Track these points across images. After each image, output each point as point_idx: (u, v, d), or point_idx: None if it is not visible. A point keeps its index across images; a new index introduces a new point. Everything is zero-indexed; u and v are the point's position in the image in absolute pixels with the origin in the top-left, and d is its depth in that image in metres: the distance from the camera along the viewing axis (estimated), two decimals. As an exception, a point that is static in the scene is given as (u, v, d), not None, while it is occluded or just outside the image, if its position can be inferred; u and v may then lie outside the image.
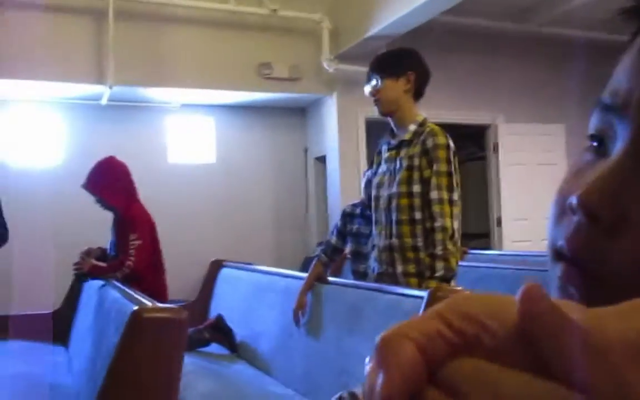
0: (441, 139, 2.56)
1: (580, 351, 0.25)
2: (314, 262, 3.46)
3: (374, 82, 2.70)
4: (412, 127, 2.64)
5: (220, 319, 4.49)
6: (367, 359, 0.29)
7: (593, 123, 0.51)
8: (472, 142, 7.59)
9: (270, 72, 5.97)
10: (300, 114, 6.82)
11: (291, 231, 6.70)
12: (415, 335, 0.28)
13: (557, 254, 0.48)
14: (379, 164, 2.81)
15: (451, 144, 2.59)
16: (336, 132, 6.20)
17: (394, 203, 2.63)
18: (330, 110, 6.29)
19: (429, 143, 2.56)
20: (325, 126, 6.41)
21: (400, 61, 2.70)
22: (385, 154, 2.77)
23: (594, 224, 0.45)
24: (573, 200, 0.46)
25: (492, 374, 0.26)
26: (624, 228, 0.44)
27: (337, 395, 0.59)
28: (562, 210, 0.50)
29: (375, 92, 2.69)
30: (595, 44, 6.57)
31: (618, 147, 0.47)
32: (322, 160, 6.58)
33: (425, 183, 2.56)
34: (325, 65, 5.94)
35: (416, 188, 2.57)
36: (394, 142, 2.72)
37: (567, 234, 0.47)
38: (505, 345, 0.27)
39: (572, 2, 5.67)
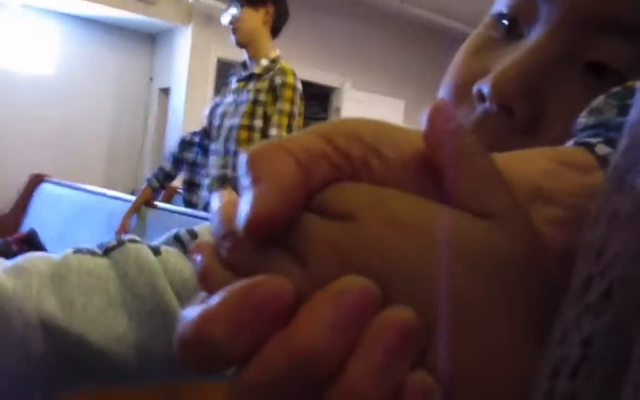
0: (290, 79, 2.57)
1: (487, 181, 0.22)
2: (143, 186, 3.35)
3: (233, 10, 2.66)
4: (264, 62, 2.63)
5: (33, 233, 4.22)
6: (214, 196, 0.25)
7: None
8: (316, 102, 7.71)
9: (125, -11, 5.66)
10: (150, 40, 6.52)
11: (124, 159, 6.44)
12: (295, 150, 0.23)
13: None
14: (225, 95, 2.78)
15: (299, 86, 2.61)
16: (186, 66, 6.00)
17: (234, 134, 2.61)
18: (183, 43, 6.07)
19: (277, 80, 2.56)
20: (175, 58, 6.19)
21: None
22: (233, 85, 2.74)
23: (505, 118, 0.40)
24: (484, 87, 0.41)
25: (385, 195, 0.22)
26: (538, 127, 0.40)
27: (172, 232, 0.55)
28: (460, 94, 0.44)
29: (233, 21, 2.66)
30: (447, 31, 6.90)
31: (540, 31, 0.41)
32: (166, 92, 6.36)
33: (267, 119, 2.57)
34: (184, -7, 5.73)
35: (258, 123, 2.57)
36: (244, 74, 2.70)
37: (469, 123, 0.42)
38: (398, 171, 0.23)
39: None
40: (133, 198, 3.53)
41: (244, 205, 0.22)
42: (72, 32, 6.08)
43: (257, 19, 2.62)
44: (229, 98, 2.72)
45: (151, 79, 6.54)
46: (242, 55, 2.75)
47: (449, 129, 0.22)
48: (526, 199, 0.25)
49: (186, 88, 6.01)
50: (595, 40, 0.39)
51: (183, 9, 5.90)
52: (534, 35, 0.41)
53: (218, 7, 5.55)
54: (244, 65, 2.73)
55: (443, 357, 0.21)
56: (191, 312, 0.22)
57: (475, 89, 0.42)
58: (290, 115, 2.56)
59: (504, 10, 0.44)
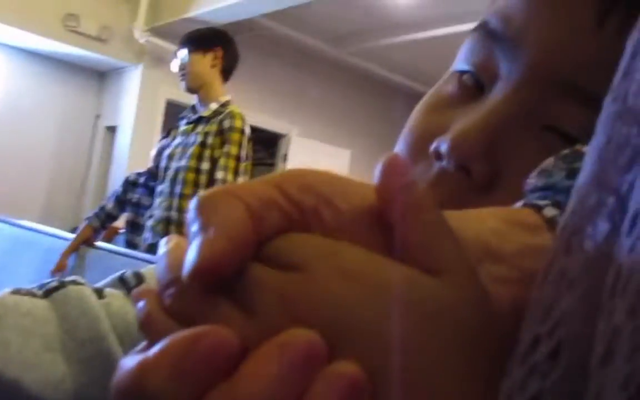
0: (238, 123, 2.57)
1: (437, 237, 0.23)
2: (83, 225, 3.27)
3: (182, 55, 2.67)
4: (214, 106, 2.63)
5: (-35, 268, 4.05)
6: (162, 242, 0.25)
7: (469, 52, 0.44)
8: (264, 148, 7.73)
9: (76, 25, 5.58)
10: (98, 77, 6.45)
11: (66, 196, 6.29)
12: (246, 198, 0.22)
13: None
14: (174, 138, 2.76)
15: (247, 130, 2.61)
16: (134, 105, 5.95)
17: (180, 176, 2.59)
18: (133, 82, 6.02)
19: (226, 124, 2.56)
20: (124, 97, 6.13)
21: (209, 37, 2.70)
22: (182, 128, 2.73)
23: (463, 176, 0.40)
24: (442, 145, 0.41)
25: (336, 247, 0.22)
26: (495, 186, 0.40)
27: (117, 274, 0.53)
28: (418, 150, 0.44)
29: (182, 67, 2.66)
30: (392, 85, 7.07)
31: (499, 91, 0.41)
32: (113, 130, 6.28)
33: (215, 162, 2.56)
34: (137, 34, 5.70)
35: (205, 166, 2.56)
36: (193, 116, 2.69)
37: (426, 180, 0.42)
38: (350, 223, 0.23)
39: (379, 41, 6.05)
40: (69, 235, 3.44)
41: (191, 251, 0.21)
42: (20, 65, 5.98)
43: (205, 63, 2.63)
44: (177, 140, 2.71)
45: (98, 116, 6.45)
46: (191, 98, 2.75)
47: (401, 184, 0.22)
48: (475, 257, 0.25)
49: (133, 128, 5.95)
50: (553, 104, 0.40)
51: (134, 49, 5.88)
52: (494, 95, 0.42)
53: (170, 49, 5.55)
54: (194, 108, 2.73)
55: None
56: (130, 361, 0.22)
57: (433, 146, 0.42)
58: (238, 159, 2.55)
59: (466, 68, 0.45)
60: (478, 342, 0.22)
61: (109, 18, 5.76)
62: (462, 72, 0.45)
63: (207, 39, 2.66)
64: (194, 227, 0.22)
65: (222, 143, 2.55)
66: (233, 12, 5.12)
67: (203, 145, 2.57)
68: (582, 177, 0.23)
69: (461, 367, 0.21)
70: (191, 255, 0.21)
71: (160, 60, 5.84)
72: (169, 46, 5.55)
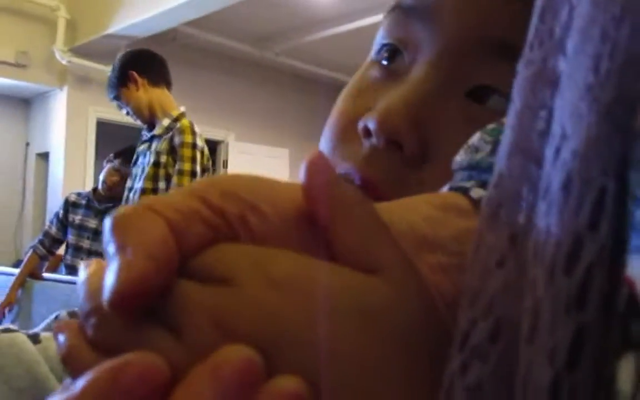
0: (188, 137, 2.49)
1: (371, 233, 0.22)
2: (28, 254, 3.18)
3: (117, 104, 2.63)
4: (166, 122, 2.56)
5: None
6: (81, 267, 0.23)
7: (388, 30, 0.45)
8: (204, 156, 7.67)
9: (-8, 54, 5.43)
10: (24, 105, 6.28)
11: (3, 231, 6.10)
12: (165, 212, 0.21)
13: None
14: (137, 157, 2.69)
15: (199, 143, 2.54)
16: (64, 129, 5.81)
17: (137, 197, 2.54)
18: (59, 105, 5.89)
19: (176, 140, 2.49)
20: (52, 121, 5.99)
21: (119, 72, 2.60)
22: (140, 147, 2.66)
23: (394, 151, 0.40)
24: (370, 123, 0.40)
25: (263, 255, 0.21)
26: (428, 157, 0.40)
27: (52, 316, 0.52)
28: (347, 134, 0.44)
29: (126, 112, 2.62)
30: (322, 80, 7.12)
31: (422, 61, 0.42)
32: (45, 157, 6.13)
33: (170, 181, 2.50)
34: (57, 56, 5.58)
35: (162, 185, 2.50)
36: (147, 135, 2.62)
37: (358, 159, 0.41)
38: (277, 228, 0.21)
39: (305, 38, 6.10)
40: (14, 270, 3.34)
41: (109, 276, 0.20)
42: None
43: (132, 92, 2.55)
44: (139, 160, 2.64)
45: (28, 144, 6.28)
46: (122, 114, 2.70)
47: (326, 180, 0.22)
48: (412, 248, 0.24)
49: (65, 152, 5.82)
50: (481, 66, 0.40)
51: (57, 71, 5.75)
52: (418, 67, 0.42)
53: (93, 68, 5.48)
54: (153, 125, 2.65)
55: None
56: None
57: (360, 124, 0.42)
58: (192, 174, 2.47)
59: (387, 41, 0.45)
60: (421, 341, 0.21)
61: (26, 43, 5.60)
62: (384, 46, 0.45)
63: (119, 76, 2.57)
64: (111, 250, 0.20)
65: (175, 160, 2.49)
66: (153, 24, 5.06)
67: (157, 164, 2.50)
68: (504, 146, 0.23)
69: (405, 369, 0.20)
70: (109, 281, 0.20)
71: (85, 80, 5.73)
72: (93, 65, 5.46)
